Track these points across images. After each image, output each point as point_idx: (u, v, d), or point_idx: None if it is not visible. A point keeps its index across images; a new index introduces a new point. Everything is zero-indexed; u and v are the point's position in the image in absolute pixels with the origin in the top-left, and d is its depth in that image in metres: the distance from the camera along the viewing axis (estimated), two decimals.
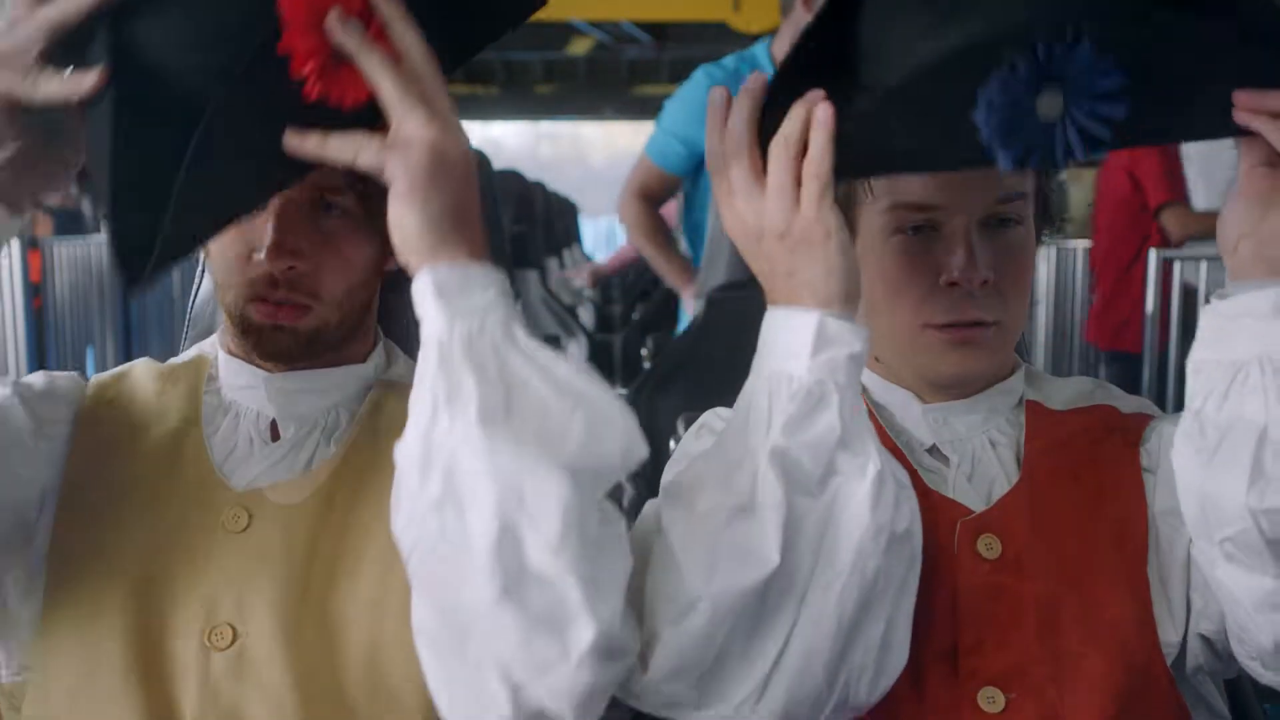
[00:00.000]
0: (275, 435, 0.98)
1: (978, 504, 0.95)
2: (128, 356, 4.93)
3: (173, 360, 1.06)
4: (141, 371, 1.03)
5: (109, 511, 0.93)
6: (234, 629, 0.89)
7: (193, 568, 0.91)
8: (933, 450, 0.99)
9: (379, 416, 0.99)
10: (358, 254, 0.95)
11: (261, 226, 0.90)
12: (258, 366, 0.98)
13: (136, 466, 0.95)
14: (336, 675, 0.89)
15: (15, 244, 3.84)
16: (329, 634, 0.90)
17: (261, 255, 0.90)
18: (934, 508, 0.94)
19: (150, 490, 0.94)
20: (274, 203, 0.90)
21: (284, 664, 0.89)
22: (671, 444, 1.98)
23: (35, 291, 4.13)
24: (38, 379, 0.99)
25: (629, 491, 2.41)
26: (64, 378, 1.01)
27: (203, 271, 1.23)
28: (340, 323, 0.96)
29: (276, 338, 0.94)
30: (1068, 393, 1.03)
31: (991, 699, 0.89)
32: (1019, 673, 0.90)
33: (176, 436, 0.97)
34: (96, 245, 4.79)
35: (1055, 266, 4.33)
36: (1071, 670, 0.89)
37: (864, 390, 1.03)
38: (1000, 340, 0.95)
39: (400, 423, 0.98)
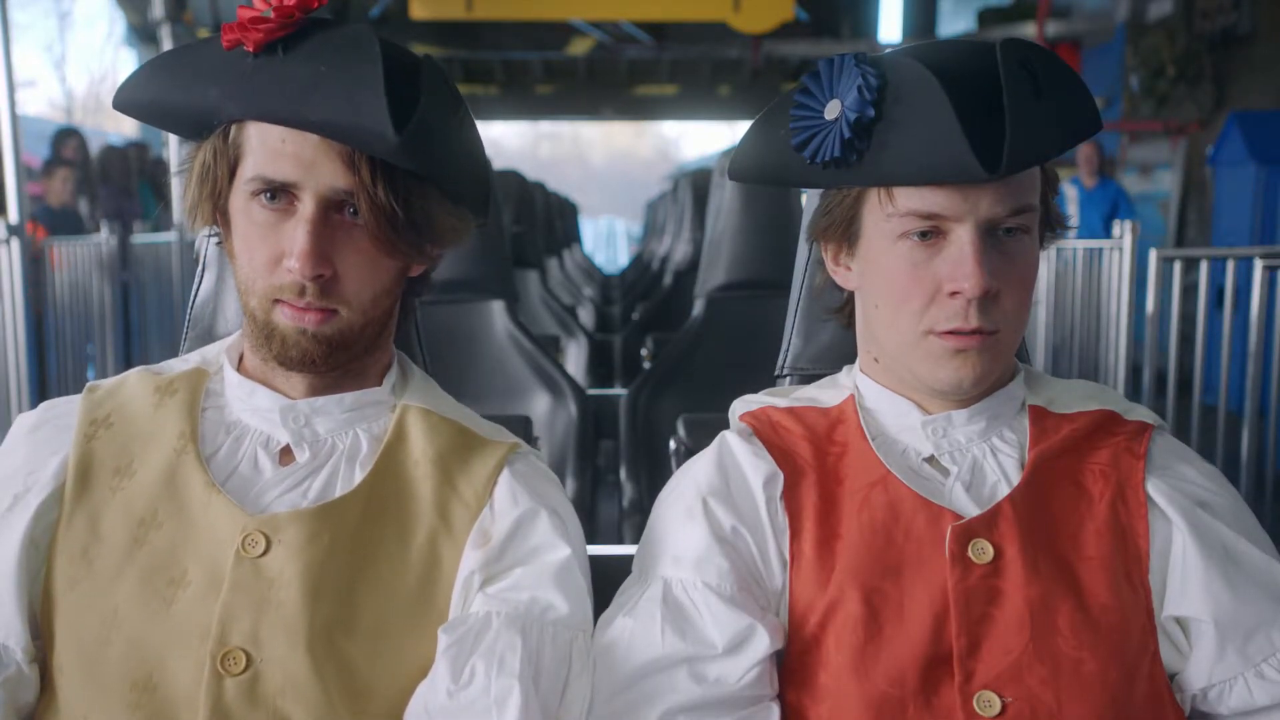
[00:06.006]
0: (285, 459, 0.97)
1: (974, 512, 0.95)
2: (127, 356, 4.93)
3: (170, 365, 1.05)
4: (136, 383, 1.01)
5: (108, 532, 0.92)
6: (248, 654, 0.87)
7: (203, 591, 0.89)
8: (931, 460, 0.99)
9: (402, 445, 0.98)
10: (384, 261, 0.94)
11: (291, 233, 0.90)
12: (277, 391, 0.98)
13: (135, 489, 0.94)
14: (352, 706, 0.88)
15: (15, 244, 3.84)
16: (342, 665, 0.89)
17: (293, 262, 0.89)
18: (927, 515, 0.94)
19: (150, 511, 0.92)
20: (307, 210, 0.90)
21: (297, 693, 0.87)
22: (671, 444, 1.98)
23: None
24: (27, 423, 0.98)
25: (629, 491, 2.41)
26: (53, 420, 0.98)
27: (203, 271, 1.22)
28: (364, 328, 0.96)
29: (300, 341, 0.93)
30: (1070, 395, 1.03)
31: (988, 703, 0.89)
32: (1015, 676, 0.89)
33: (175, 455, 0.95)
34: (96, 245, 4.79)
35: (1055, 266, 4.32)
36: (1068, 673, 0.89)
37: (858, 396, 1.04)
38: (1000, 348, 0.95)
39: (421, 451, 0.97)
